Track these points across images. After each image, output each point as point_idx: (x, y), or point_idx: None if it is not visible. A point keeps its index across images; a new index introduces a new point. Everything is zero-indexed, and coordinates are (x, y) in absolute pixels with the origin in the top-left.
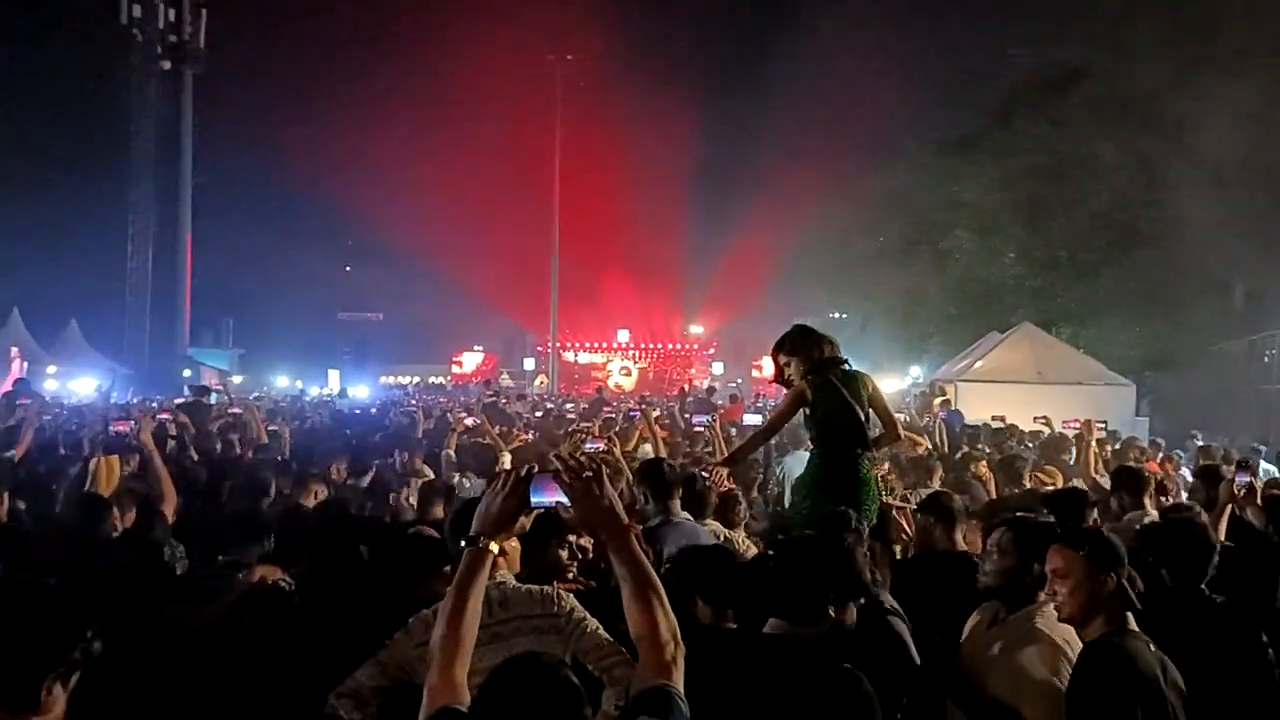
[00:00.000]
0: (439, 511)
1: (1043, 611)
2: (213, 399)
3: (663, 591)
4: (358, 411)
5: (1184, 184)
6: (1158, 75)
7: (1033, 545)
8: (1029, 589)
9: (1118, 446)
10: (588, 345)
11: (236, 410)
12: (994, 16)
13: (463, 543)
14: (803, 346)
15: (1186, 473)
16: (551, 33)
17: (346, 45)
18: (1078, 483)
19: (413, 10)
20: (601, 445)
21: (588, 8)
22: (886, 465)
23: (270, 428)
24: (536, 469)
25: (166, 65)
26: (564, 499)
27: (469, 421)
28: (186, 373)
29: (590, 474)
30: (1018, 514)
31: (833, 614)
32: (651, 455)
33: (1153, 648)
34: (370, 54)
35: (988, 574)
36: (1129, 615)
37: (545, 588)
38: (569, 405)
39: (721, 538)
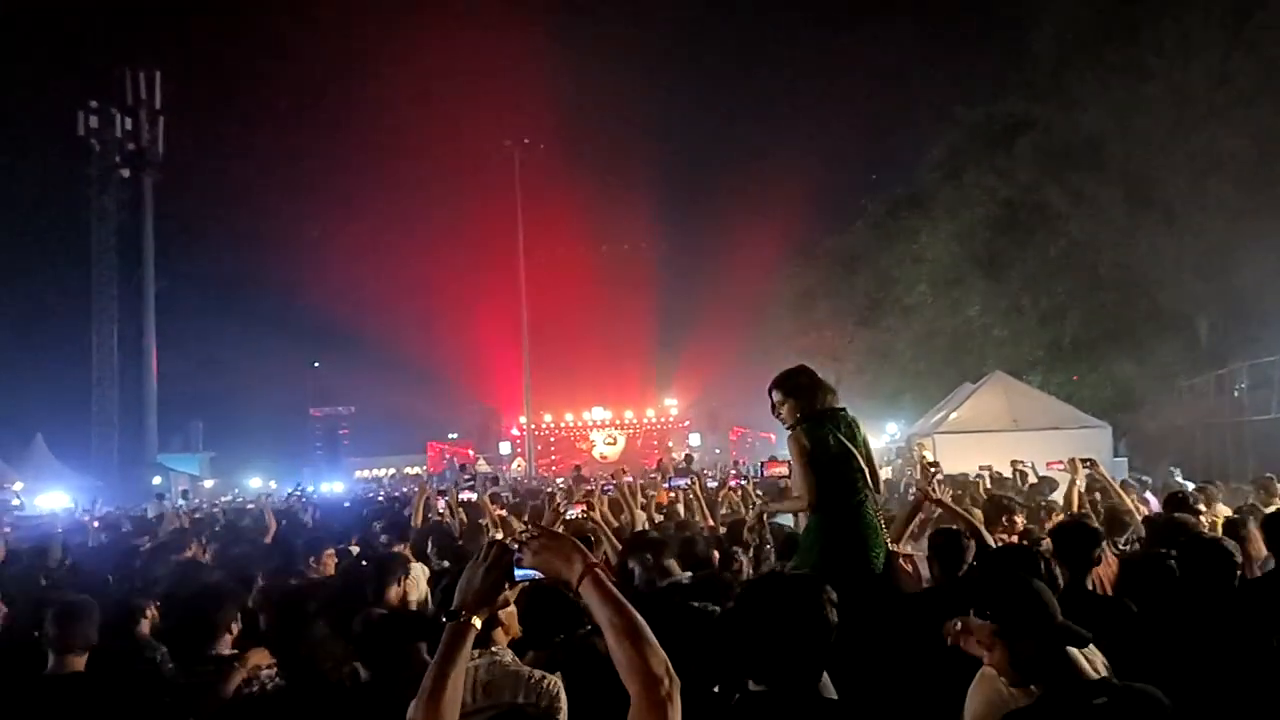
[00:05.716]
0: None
1: None
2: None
3: (646, 627)
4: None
5: (1135, 224)
6: (1097, 120)
7: None
8: None
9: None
10: (563, 425)
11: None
12: (935, 75)
13: (444, 617)
14: (798, 393)
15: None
16: (510, 117)
17: (306, 143)
18: None
19: (371, 106)
20: (579, 510)
21: (545, 92)
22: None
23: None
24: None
25: (125, 173)
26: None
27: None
28: (157, 480)
29: (539, 530)
30: None
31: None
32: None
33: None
34: (330, 151)
35: None
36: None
37: (537, 674)
38: (559, 481)
39: None
